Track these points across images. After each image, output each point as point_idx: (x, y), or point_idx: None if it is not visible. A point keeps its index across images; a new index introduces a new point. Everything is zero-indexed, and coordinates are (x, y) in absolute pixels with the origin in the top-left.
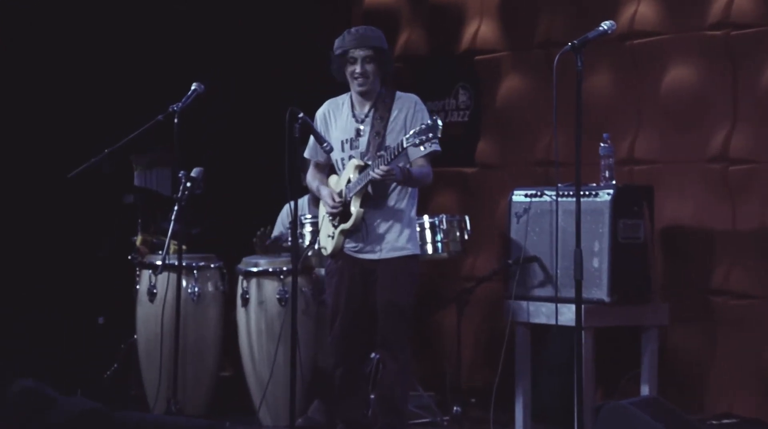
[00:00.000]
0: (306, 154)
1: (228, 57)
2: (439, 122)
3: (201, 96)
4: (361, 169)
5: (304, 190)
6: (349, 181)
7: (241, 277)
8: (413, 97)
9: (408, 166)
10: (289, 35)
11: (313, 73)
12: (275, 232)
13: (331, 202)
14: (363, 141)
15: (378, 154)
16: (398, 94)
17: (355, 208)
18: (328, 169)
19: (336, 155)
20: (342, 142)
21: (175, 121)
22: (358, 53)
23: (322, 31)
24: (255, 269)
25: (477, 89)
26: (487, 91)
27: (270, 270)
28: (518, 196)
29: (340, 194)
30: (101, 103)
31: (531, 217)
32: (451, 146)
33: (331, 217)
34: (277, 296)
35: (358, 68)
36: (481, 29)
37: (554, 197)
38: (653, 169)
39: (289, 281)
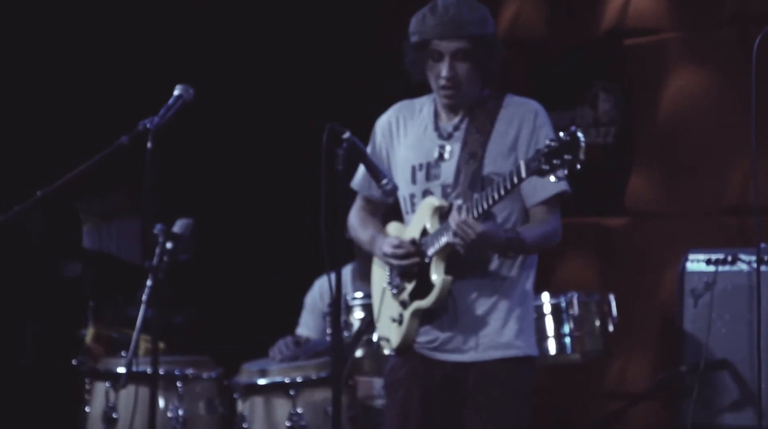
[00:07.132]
0: (354, 185)
1: (231, 48)
2: (581, 136)
3: (189, 106)
4: (443, 213)
5: (351, 253)
6: (425, 231)
7: (238, 396)
8: (533, 105)
9: (514, 218)
10: (328, 12)
11: (369, 70)
12: (303, 330)
13: (393, 249)
14: (448, 167)
15: (474, 194)
16: (509, 98)
17: (437, 275)
18: (385, 209)
19: (404, 190)
20: (413, 167)
21: (149, 145)
22: (445, 46)
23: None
24: (263, 381)
25: (628, 92)
26: (644, 94)
27: (286, 381)
28: (696, 263)
29: (413, 243)
30: (35, 123)
31: (717, 297)
32: (586, 183)
33: (395, 290)
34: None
35: (444, 71)
36: None
37: (755, 264)
38: None
39: (321, 399)
